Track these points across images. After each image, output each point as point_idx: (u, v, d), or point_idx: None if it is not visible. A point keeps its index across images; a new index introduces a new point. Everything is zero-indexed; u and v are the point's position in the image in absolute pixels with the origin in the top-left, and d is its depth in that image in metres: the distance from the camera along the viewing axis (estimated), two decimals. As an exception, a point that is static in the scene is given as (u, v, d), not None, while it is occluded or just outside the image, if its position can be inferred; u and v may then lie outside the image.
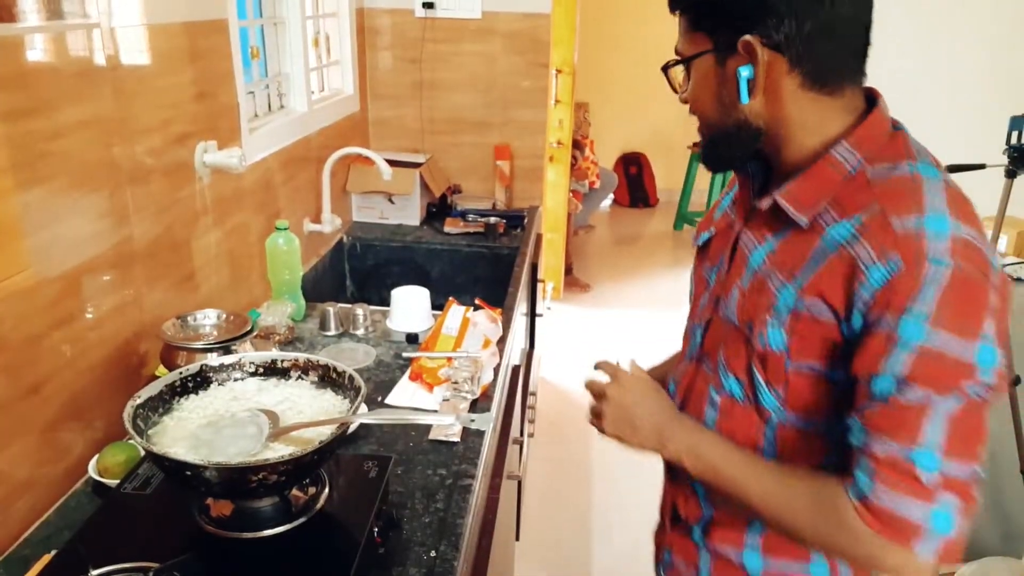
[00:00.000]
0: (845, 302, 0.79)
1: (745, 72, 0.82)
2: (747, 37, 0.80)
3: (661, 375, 1.11)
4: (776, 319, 0.85)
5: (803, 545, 0.93)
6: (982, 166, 2.06)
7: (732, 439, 0.93)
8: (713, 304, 0.98)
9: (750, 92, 0.83)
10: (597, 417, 1.02)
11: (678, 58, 0.90)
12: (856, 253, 0.79)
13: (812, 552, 0.94)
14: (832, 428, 0.86)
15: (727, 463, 0.91)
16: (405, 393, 1.55)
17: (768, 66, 0.82)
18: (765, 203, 0.88)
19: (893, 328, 0.76)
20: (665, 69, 0.93)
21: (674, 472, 1.05)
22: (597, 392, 1.02)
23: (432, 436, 1.40)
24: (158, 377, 1.10)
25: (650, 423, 0.97)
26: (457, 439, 1.39)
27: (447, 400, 1.51)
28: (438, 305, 1.87)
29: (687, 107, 0.93)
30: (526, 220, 2.78)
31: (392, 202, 2.72)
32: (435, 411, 1.48)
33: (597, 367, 1.05)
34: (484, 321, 1.76)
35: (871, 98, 0.87)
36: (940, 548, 0.77)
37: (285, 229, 1.85)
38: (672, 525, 1.09)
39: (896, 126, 0.87)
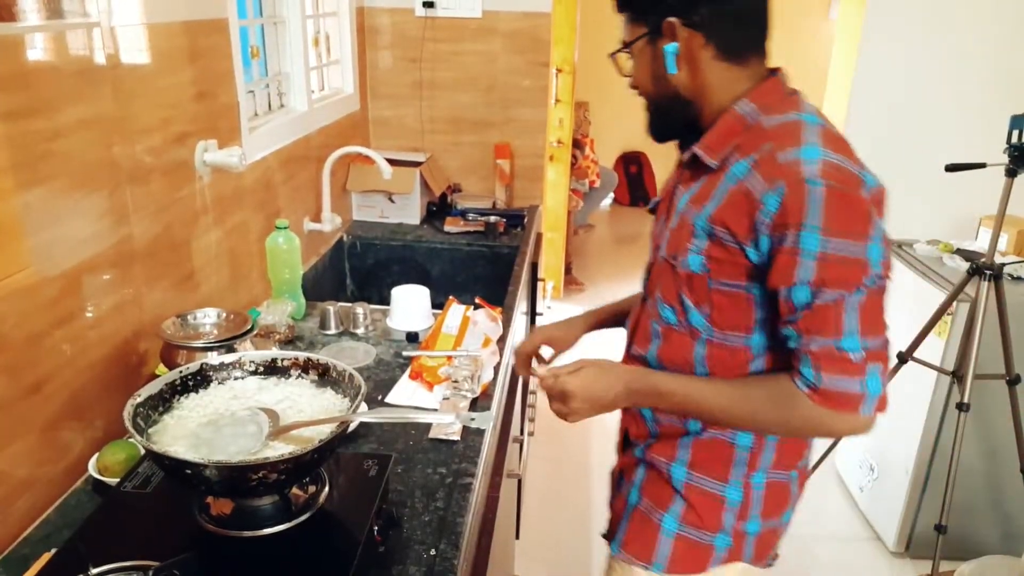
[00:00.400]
0: (749, 229, 0.97)
1: (671, 48, 1.03)
2: (670, 19, 1.01)
3: (611, 312, 1.37)
4: (695, 246, 1.03)
5: (767, 434, 1.10)
6: (982, 165, 2.06)
7: (672, 363, 1.11)
8: (655, 251, 1.17)
9: (676, 65, 1.04)
10: (566, 414, 1.10)
11: (623, 45, 1.10)
12: (752, 186, 0.96)
13: (730, 476, 1.13)
14: (753, 339, 1.04)
15: (689, 389, 1.06)
16: (405, 392, 1.55)
17: (687, 41, 1.02)
18: (686, 155, 1.09)
19: (795, 243, 0.92)
20: (613, 55, 1.12)
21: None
22: (558, 395, 1.09)
23: (432, 435, 1.40)
24: (158, 376, 1.10)
25: (615, 391, 1.08)
26: (457, 438, 1.39)
27: (447, 399, 1.51)
28: (438, 304, 1.87)
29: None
30: (526, 219, 2.78)
31: (392, 201, 2.72)
32: (435, 410, 1.48)
33: (540, 379, 1.12)
34: (484, 320, 1.76)
35: (773, 70, 1.07)
36: (876, 404, 0.97)
37: (285, 228, 1.85)
38: (623, 450, 1.27)
39: (794, 92, 1.07)
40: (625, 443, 1.27)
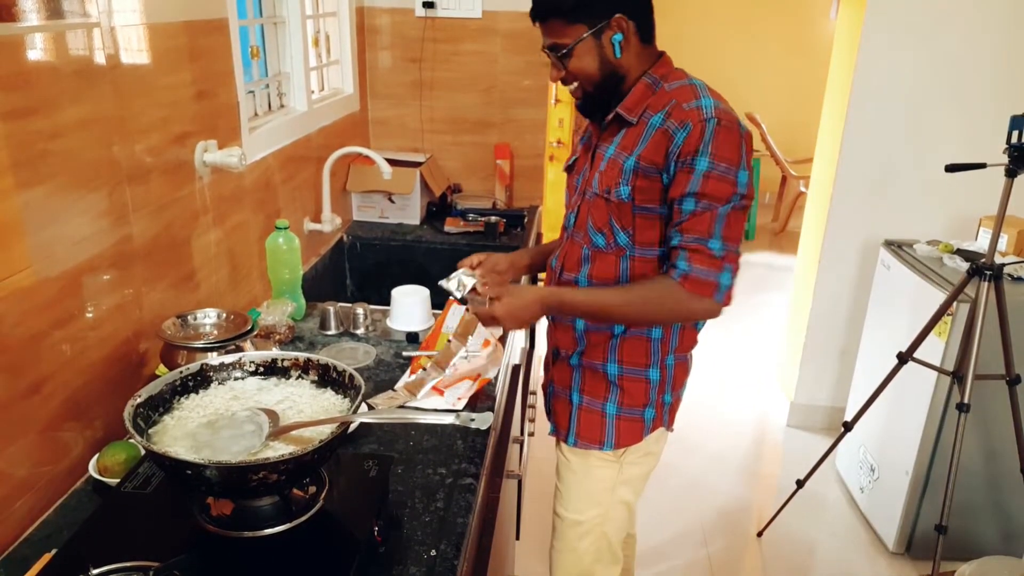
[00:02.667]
0: (664, 158, 1.29)
1: (618, 38, 1.32)
2: (618, 15, 1.30)
3: (533, 257, 1.65)
4: (624, 179, 1.33)
5: (655, 324, 1.42)
6: (982, 165, 2.06)
7: (601, 278, 1.41)
8: (581, 196, 1.45)
9: (621, 50, 1.33)
10: (495, 323, 1.35)
11: (564, 48, 1.32)
12: (667, 126, 1.29)
13: (650, 363, 1.45)
14: (660, 251, 1.36)
15: (594, 297, 1.37)
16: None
17: (627, 30, 1.32)
18: (611, 116, 1.38)
19: (691, 165, 1.26)
20: (562, 58, 1.33)
21: (555, 324, 1.53)
22: (489, 320, 1.35)
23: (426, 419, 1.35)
24: (158, 376, 1.10)
25: (532, 309, 1.35)
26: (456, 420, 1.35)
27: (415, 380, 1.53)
28: (438, 304, 1.87)
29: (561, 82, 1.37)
30: (526, 219, 2.78)
31: (392, 201, 2.72)
32: (435, 410, 1.47)
33: (473, 310, 1.39)
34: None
35: (661, 52, 1.40)
36: (726, 296, 1.30)
37: (285, 228, 1.85)
38: (554, 362, 1.56)
39: (679, 68, 1.39)
40: (555, 357, 1.55)
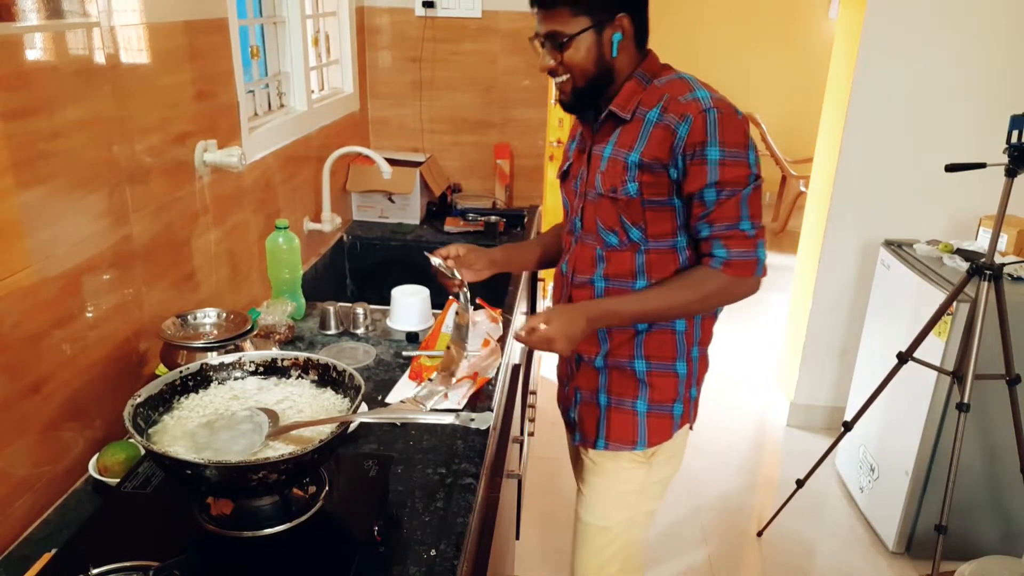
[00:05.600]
0: (669, 153, 1.29)
1: (618, 37, 1.32)
2: (622, 15, 1.30)
3: (505, 257, 1.62)
4: (629, 176, 1.33)
5: (701, 314, 1.43)
6: (982, 165, 2.06)
7: (617, 276, 1.41)
8: (583, 198, 1.44)
9: (619, 50, 1.33)
10: (551, 346, 1.30)
11: (565, 37, 1.30)
12: (667, 122, 1.29)
13: (677, 356, 1.45)
14: (677, 241, 1.37)
15: (640, 303, 1.36)
16: (405, 392, 1.55)
17: (627, 31, 1.32)
18: (604, 115, 1.38)
19: (702, 156, 1.27)
20: (560, 47, 1.31)
21: None
22: (543, 343, 1.30)
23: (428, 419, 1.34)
24: (158, 376, 1.10)
25: (581, 325, 1.32)
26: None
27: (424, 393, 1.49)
28: (438, 304, 1.87)
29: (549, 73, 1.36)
30: (526, 219, 2.78)
31: (392, 201, 2.72)
32: (435, 410, 1.47)
33: (523, 335, 1.32)
34: (485, 320, 1.76)
35: (648, 51, 1.40)
36: (764, 268, 1.34)
37: (285, 228, 1.85)
38: (577, 368, 1.52)
39: (666, 63, 1.40)
40: (577, 364, 1.52)
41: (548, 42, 1.32)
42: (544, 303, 3.01)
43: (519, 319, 2.18)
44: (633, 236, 1.37)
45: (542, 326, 1.29)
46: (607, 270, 1.41)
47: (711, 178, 1.27)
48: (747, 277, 1.33)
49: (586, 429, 1.54)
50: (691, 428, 1.56)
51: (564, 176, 1.53)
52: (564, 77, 1.35)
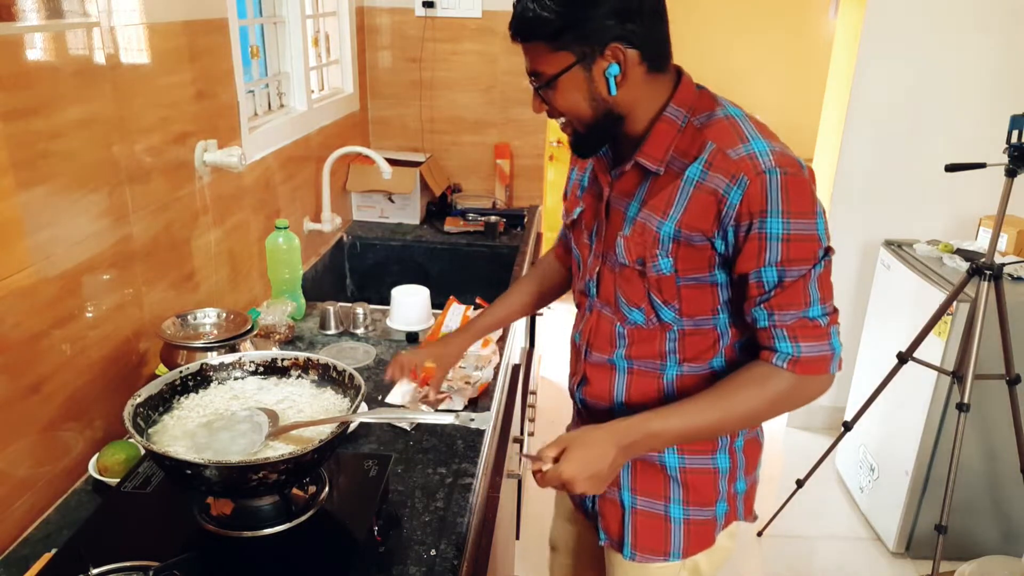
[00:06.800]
0: (715, 223, 1.03)
1: (613, 71, 1.02)
2: (613, 44, 1.00)
3: (489, 326, 1.43)
4: (662, 250, 1.07)
5: (761, 422, 1.16)
6: (982, 165, 2.06)
7: (642, 358, 1.15)
8: (600, 259, 1.18)
9: (617, 85, 1.04)
10: (567, 487, 1.03)
11: (547, 78, 1.04)
12: (714, 184, 1.02)
13: (716, 446, 1.18)
14: (719, 319, 1.11)
15: (686, 419, 1.07)
16: (405, 392, 1.55)
17: (626, 62, 1.02)
18: (628, 166, 1.10)
19: (760, 229, 1.00)
20: (543, 89, 1.06)
21: (587, 407, 1.26)
22: (559, 487, 1.04)
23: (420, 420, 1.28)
24: (158, 376, 1.10)
25: (610, 457, 1.04)
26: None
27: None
28: (438, 304, 1.87)
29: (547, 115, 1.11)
30: (526, 219, 2.78)
31: (392, 201, 2.72)
32: (435, 410, 1.47)
33: (537, 476, 1.06)
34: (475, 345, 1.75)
35: (678, 69, 1.11)
36: (839, 362, 1.07)
37: (285, 228, 1.85)
38: None
39: (699, 86, 1.11)
40: None
41: (535, 81, 1.07)
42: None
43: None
44: (665, 316, 1.12)
45: (555, 464, 1.03)
46: (630, 351, 1.16)
47: (772, 257, 1.01)
48: (821, 375, 1.06)
49: (608, 528, 1.27)
50: (749, 520, 1.29)
51: (573, 225, 1.26)
52: (562, 120, 1.11)
